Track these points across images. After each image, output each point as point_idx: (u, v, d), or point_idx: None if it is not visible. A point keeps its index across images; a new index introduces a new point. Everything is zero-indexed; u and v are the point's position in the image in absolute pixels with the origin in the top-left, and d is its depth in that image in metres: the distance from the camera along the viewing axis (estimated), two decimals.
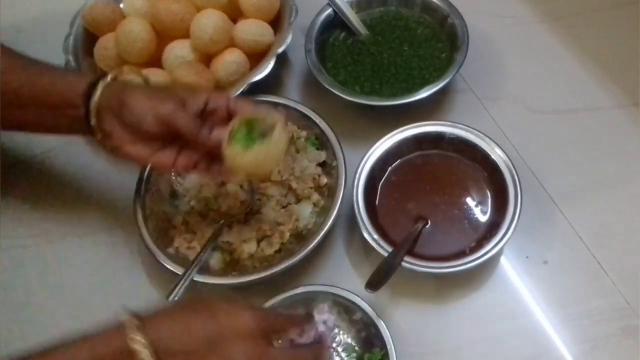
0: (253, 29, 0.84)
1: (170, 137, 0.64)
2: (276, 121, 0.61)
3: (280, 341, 0.61)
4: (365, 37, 0.89)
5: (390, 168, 0.77)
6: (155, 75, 0.81)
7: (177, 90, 0.66)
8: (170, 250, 0.73)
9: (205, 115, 0.63)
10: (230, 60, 0.82)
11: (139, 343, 0.48)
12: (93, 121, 0.64)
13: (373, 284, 0.66)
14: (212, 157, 0.65)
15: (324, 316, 0.68)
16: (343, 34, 0.90)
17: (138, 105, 0.63)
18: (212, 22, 0.81)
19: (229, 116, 0.63)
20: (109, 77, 0.65)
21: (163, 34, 0.85)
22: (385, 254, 0.68)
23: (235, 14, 0.86)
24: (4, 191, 0.82)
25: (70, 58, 0.86)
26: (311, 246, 0.69)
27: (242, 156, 0.60)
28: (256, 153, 0.60)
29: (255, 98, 0.81)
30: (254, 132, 0.61)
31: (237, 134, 0.60)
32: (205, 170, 0.66)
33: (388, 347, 0.63)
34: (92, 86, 0.65)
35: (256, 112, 0.62)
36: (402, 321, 0.68)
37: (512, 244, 0.70)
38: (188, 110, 0.62)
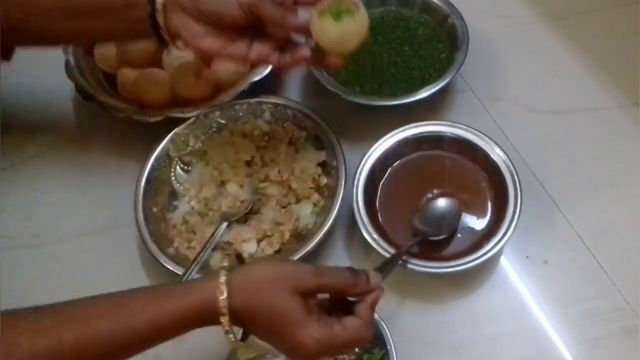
0: None
1: (248, 27, 0.64)
2: (358, 3, 0.66)
3: None
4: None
5: (390, 168, 0.77)
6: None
7: None
8: (170, 250, 0.73)
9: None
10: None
11: (223, 309, 0.51)
12: (160, 18, 0.63)
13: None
14: (283, 48, 0.66)
15: None
16: None
17: None
18: None
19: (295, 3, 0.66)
20: None
21: None
22: (386, 254, 0.68)
23: None
24: (4, 191, 0.82)
25: (70, 58, 0.86)
26: (311, 246, 0.69)
27: (332, 29, 0.65)
28: (345, 26, 0.65)
29: (256, 98, 0.81)
30: (342, 10, 0.65)
31: (327, 11, 0.65)
32: (277, 60, 0.67)
33: (388, 347, 0.63)
34: None
35: None
36: (402, 321, 0.68)
37: (512, 244, 0.70)
38: None
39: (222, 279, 0.52)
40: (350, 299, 0.55)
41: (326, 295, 0.56)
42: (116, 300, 0.54)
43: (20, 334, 0.48)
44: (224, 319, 0.51)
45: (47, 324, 0.50)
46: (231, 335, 0.52)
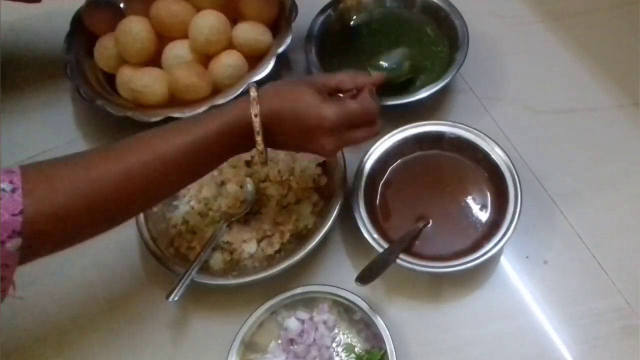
0: (251, 31, 0.84)
1: None
2: None
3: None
4: (365, 37, 0.89)
5: (390, 168, 0.77)
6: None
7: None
8: (170, 250, 0.73)
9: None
10: (226, 63, 0.82)
11: (255, 110, 0.60)
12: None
13: (364, 278, 0.66)
14: None
15: (324, 316, 0.68)
16: (343, 34, 0.90)
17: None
18: (208, 22, 0.81)
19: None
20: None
21: (163, 34, 0.85)
22: None
23: (234, 16, 0.86)
24: None
25: (71, 58, 0.86)
26: (311, 246, 0.69)
27: None
28: None
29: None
30: None
31: None
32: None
33: (388, 347, 0.63)
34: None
35: None
36: (402, 321, 0.68)
37: (512, 244, 0.70)
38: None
39: (253, 90, 0.61)
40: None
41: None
42: (156, 132, 0.60)
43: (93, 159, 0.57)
44: (256, 121, 0.60)
45: (113, 151, 0.58)
46: (259, 138, 0.61)
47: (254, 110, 0.60)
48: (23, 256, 0.52)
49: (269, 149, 0.63)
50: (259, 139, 0.61)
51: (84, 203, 0.54)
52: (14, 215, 0.50)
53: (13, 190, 0.51)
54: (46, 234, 0.53)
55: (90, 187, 0.54)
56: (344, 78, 0.67)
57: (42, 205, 0.52)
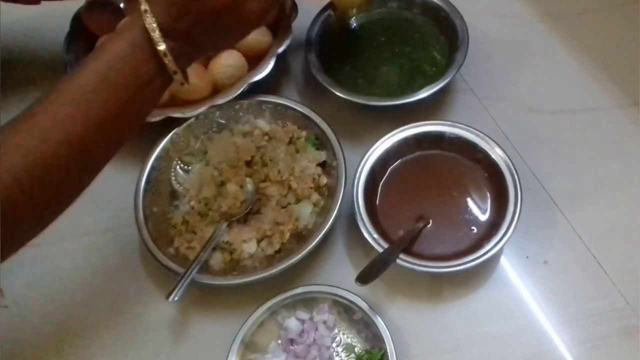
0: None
1: None
2: None
3: None
4: (365, 37, 0.89)
5: (390, 168, 0.77)
6: None
7: None
8: (170, 250, 0.73)
9: None
10: (226, 63, 0.81)
11: (151, 23, 0.51)
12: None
13: (364, 278, 0.66)
14: None
15: (324, 316, 0.68)
16: (343, 34, 0.90)
17: None
18: None
19: None
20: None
21: None
22: None
23: None
24: None
25: (71, 58, 0.86)
26: (311, 246, 0.69)
27: None
28: None
29: (256, 98, 0.81)
30: None
31: None
32: None
33: (388, 347, 0.63)
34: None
35: None
36: (402, 321, 0.68)
37: (512, 244, 0.70)
38: None
39: (144, 2, 0.51)
40: None
41: None
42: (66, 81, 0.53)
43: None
44: (156, 35, 0.51)
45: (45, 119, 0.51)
46: (168, 58, 0.52)
47: (149, 23, 0.51)
48: (3, 250, 0.50)
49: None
50: (167, 60, 0.52)
51: (45, 163, 0.50)
52: None
53: None
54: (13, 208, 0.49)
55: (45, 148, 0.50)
56: None
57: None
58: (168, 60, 0.53)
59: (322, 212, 0.73)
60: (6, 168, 0.49)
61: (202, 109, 0.79)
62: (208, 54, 0.81)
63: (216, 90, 0.82)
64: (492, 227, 0.70)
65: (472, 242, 0.70)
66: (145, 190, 0.76)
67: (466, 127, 0.76)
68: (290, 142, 0.79)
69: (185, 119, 0.79)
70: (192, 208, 0.77)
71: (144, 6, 0.51)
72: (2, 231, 0.49)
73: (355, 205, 0.72)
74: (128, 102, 0.54)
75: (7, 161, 0.49)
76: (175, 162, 0.80)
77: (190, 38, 0.54)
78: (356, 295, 0.67)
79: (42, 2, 0.84)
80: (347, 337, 0.68)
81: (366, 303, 0.66)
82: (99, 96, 0.52)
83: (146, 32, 0.51)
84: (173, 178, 0.79)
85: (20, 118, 0.52)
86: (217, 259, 0.72)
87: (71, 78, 0.53)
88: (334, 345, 0.67)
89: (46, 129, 0.51)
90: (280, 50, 0.82)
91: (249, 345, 0.67)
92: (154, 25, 0.51)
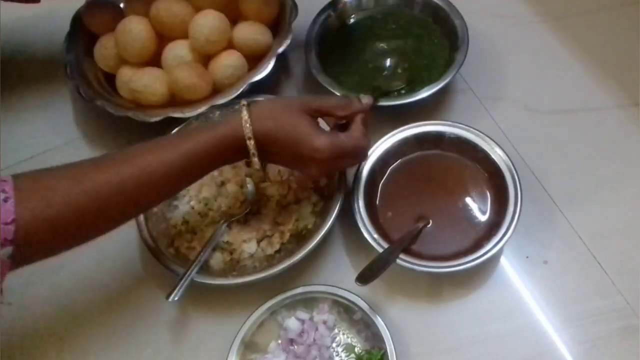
0: (251, 31, 0.84)
1: None
2: None
3: None
4: (364, 37, 0.89)
5: (390, 168, 0.77)
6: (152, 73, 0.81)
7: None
8: (170, 250, 0.73)
9: None
10: (226, 64, 0.82)
11: (249, 133, 0.62)
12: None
13: (364, 278, 0.66)
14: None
15: (324, 316, 0.68)
16: (343, 34, 0.90)
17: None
18: (208, 22, 0.81)
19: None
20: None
21: (163, 34, 0.85)
22: None
23: (235, 16, 0.86)
24: None
25: (71, 58, 0.86)
26: (311, 246, 0.69)
27: None
28: None
29: (256, 98, 0.81)
30: None
31: None
32: None
33: (388, 347, 0.63)
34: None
35: None
36: (402, 321, 0.68)
37: (512, 244, 0.70)
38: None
39: (245, 111, 0.62)
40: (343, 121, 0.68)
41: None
42: (147, 146, 0.62)
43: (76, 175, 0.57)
44: (250, 143, 0.62)
45: (104, 163, 0.59)
46: (256, 158, 0.63)
47: (247, 132, 0.62)
48: (14, 263, 0.53)
49: None
50: (255, 159, 0.63)
51: (76, 214, 0.55)
52: (6, 224, 0.51)
53: (5, 200, 0.51)
54: (38, 243, 0.54)
55: (83, 199, 0.56)
56: (336, 105, 0.68)
57: (35, 215, 0.53)
58: (256, 163, 0.64)
59: (322, 212, 0.73)
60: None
61: (202, 109, 0.79)
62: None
63: (216, 90, 0.82)
64: (492, 227, 0.70)
65: (472, 242, 0.70)
66: None
67: (466, 127, 0.76)
68: None
69: (185, 119, 0.79)
70: (192, 208, 0.77)
71: (244, 115, 0.62)
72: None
73: (355, 205, 0.72)
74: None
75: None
76: None
77: (267, 156, 0.65)
78: (356, 295, 0.67)
79: (42, 1, 0.84)
80: (347, 337, 0.68)
81: (366, 303, 0.66)
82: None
83: (241, 137, 0.62)
84: None
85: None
86: (217, 259, 0.72)
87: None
88: (334, 345, 0.67)
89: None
90: (280, 50, 0.82)
91: (249, 345, 0.67)
92: (251, 136, 0.62)
